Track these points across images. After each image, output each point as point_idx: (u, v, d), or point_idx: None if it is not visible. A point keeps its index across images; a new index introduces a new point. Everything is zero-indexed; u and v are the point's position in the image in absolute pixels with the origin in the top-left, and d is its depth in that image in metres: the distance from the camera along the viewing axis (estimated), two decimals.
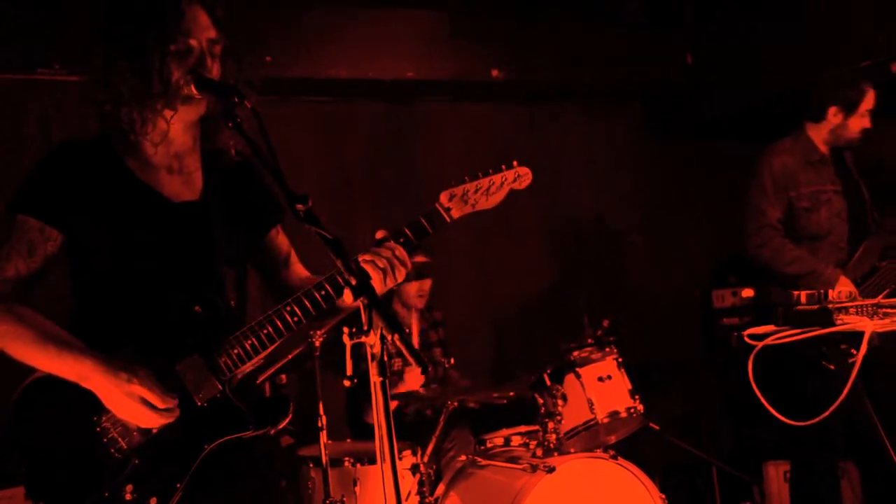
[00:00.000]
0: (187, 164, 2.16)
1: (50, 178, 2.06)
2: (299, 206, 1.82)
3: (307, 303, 2.02)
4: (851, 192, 4.17)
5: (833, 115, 4.10)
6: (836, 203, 4.09)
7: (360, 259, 2.01)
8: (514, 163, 2.24)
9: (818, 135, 4.14)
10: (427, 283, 4.49)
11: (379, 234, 2.13)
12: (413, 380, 4.16)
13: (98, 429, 1.97)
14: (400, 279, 2.08)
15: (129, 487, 1.95)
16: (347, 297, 1.91)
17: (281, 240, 2.31)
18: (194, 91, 2.01)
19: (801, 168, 4.09)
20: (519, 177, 2.23)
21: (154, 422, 1.95)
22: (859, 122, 4.09)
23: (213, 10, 2.08)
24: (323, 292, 2.02)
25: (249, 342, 2.01)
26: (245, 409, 2.03)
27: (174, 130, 2.09)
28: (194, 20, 2.03)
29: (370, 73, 4.93)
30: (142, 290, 2.04)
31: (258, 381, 2.08)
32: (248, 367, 2.03)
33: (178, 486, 1.96)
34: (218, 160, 2.18)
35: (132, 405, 1.93)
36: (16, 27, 4.23)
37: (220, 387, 2.01)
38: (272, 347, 2.03)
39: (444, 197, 2.17)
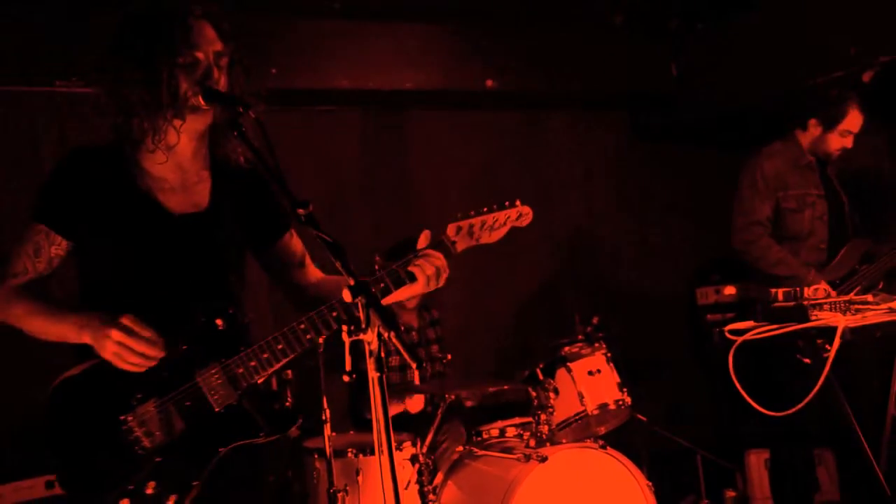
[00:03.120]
0: (195, 174, 2.17)
1: (58, 187, 2.10)
2: (301, 211, 1.83)
3: (320, 324, 2.05)
4: (833, 197, 4.19)
5: (813, 126, 4.12)
6: (820, 206, 4.11)
7: (412, 261, 2.10)
8: (518, 202, 2.28)
9: (804, 142, 4.16)
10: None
11: (423, 241, 2.19)
12: (413, 404, 4.17)
13: (124, 427, 2.01)
14: (441, 284, 2.16)
15: (152, 484, 1.99)
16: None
17: (295, 242, 2.33)
18: (202, 102, 2.02)
19: (790, 171, 4.11)
20: (521, 215, 2.29)
21: (132, 360, 1.97)
22: (839, 141, 4.10)
23: (219, 24, 2.09)
24: (335, 314, 2.05)
25: (265, 356, 2.04)
26: (258, 418, 2.06)
27: (182, 141, 2.09)
28: (201, 34, 2.05)
29: (370, 83, 4.93)
30: (148, 300, 2.05)
31: (262, 380, 2.09)
32: (262, 378, 2.07)
33: (195, 484, 2.00)
34: (228, 169, 2.19)
35: (112, 347, 1.96)
36: (34, 40, 4.22)
37: (236, 395, 2.04)
38: (285, 361, 2.07)
39: (451, 230, 2.20)
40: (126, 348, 1.95)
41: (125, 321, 1.96)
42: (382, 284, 2.09)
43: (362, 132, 5.32)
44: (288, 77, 4.63)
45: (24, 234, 2.10)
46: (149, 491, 1.98)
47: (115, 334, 1.95)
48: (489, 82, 5.18)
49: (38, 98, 4.45)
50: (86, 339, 1.99)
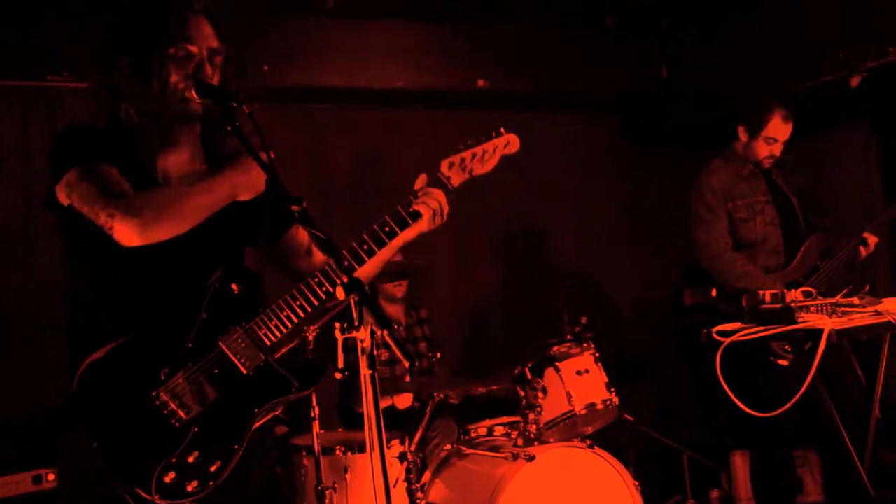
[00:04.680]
0: (188, 167, 2.17)
1: (86, 136, 2.07)
2: (294, 208, 1.84)
3: (333, 274, 2.06)
4: (782, 200, 4.23)
5: (741, 134, 4.18)
6: (769, 212, 4.17)
7: (413, 201, 2.14)
8: (502, 130, 2.31)
9: (741, 151, 4.20)
10: (403, 283, 4.51)
11: (419, 182, 2.22)
12: (401, 400, 4.17)
13: (157, 402, 2.01)
14: (445, 220, 2.19)
15: (195, 454, 2.00)
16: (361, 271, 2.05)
17: (302, 233, 2.32)
18: (194, 95, 2.03)
19: (735, 182, 4.17)
20: (508, 143, 2.31)
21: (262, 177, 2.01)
22: (765, 148, 4.13)
23: (217, 22, 2.10)
24: (346, 263, 2.07)
25: (285, 313, 2.07)
26: (287, 375, 2.09)
27: (173, 133, 2.11)
28: (197, 29, 2.06)
29: (362, 82, 4.94)
30: (162, 275, 2.06)
31: (277, 356, 2.11)
32: (285, 335, 2.09)
33: (236, 447, 2.03)
34: (224, 164, 2.18)
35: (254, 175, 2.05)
36: (25, 35, 4.21)
37: (262, 356, 2.06)
38: (303, 316, 2.09)
39: (444, 166, 2.23)
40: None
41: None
42: (388, 228, 2.11)
43: (353, 130, 5.32)
44: (280, 74, 4.63)
45: (94, 180, 2.00)
46: (191, 460, 1.99)
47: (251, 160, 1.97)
48: (480, 82, 5.20)
49: (29, 92, 4.43)
50: (241, 189, 2.06)
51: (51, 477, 3.67)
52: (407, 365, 1.70)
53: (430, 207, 2.15)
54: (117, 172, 2.04)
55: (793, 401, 2.69)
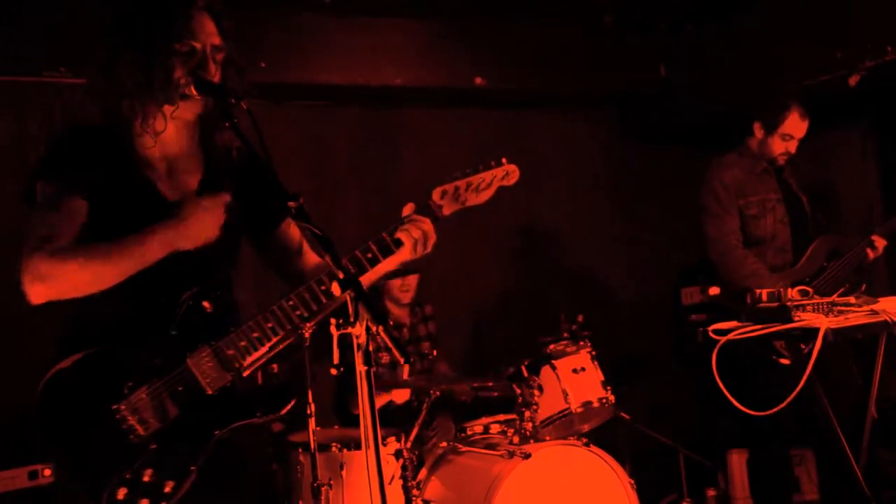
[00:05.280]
0: (184, 162, 2.17)
1: (63, 151, 2.07)
2: (291, 204, 1.84)
3: (308, 297, 2.04)
4: (792, 199, 4.24)
5: (757, 130, 4.18)
6: (780, 210, 4.17)
7: (398, 227, 2.08)
8: (504, 160, 2.24)
9: (755, 147, 4.20)
10: (411, 279, 4.49)
11: (407, 210, 2.15)
12: (399, 395, 4.17)
13: (117, 416, 1.99)
14: (429, 251, 2.12)
15: (149, 471, 1.98)
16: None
17: (293, 230, 2.31)
18: (193, 91, 2.03)
19: (747, 178, 4.16)
20: (507, 174, 2.23)
21: (216, 222, 2.01)
22: (781, 145, 4.14)
23: (220, 20, 2.11)
24: (323, 287, 2.04)
25: (255, 334, 2.03)
26: (252, 398, 2.06)
27: (171, 128, 2.10)
28: (201, 25, 2.06)
29: (359, 79, 4.93)
30: (143, 284, 2.03)
31: (247, 373, 2.08)
32: (253, 358, 2.05)
33: (192, 469, 2.00)
34: (220, 160, 2.18)
35: (197, 225, 2.01)
36: (22, 30, 4.20)
37: (228, 377, 2.03)
38: (275, 340, 2.05)
39: (436, 195, 2.16)
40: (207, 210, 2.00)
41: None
42: (370, 254, 2.07)
43: (351, 127, 5.32)
44: (277, 71, 4.62)
45: (47, 202, 2.03)
46: (146, 479, 1.97)
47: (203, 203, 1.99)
48: (478, 80, 5.19)
49: (26, 88, 4.42)
50: (178, 245, 2.00)
51: (47, 472, 3.67)
52: (402, 361, 1.69)
53: (413, 237, 2.09)
54: (78, 201, 2.02)
55: (788, 399, 2.69)
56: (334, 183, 5.22)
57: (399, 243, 2.09)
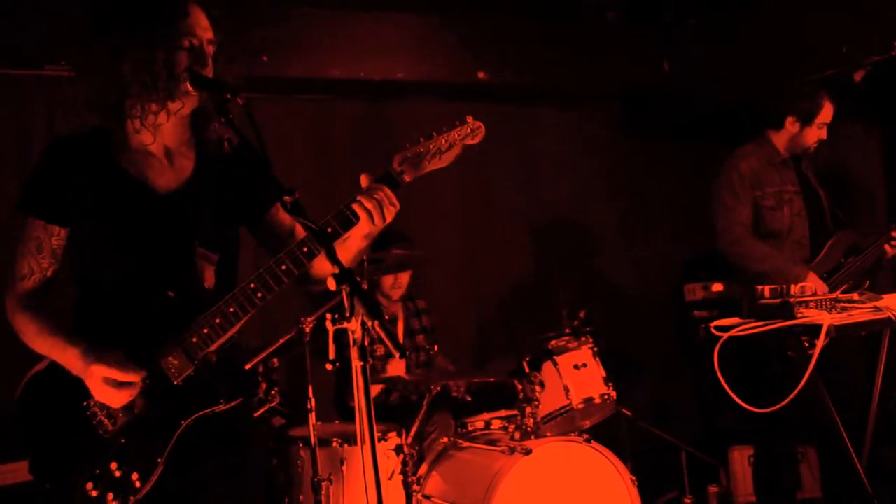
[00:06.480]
0: (179, 156, 2.16)
1: (46, 176, 2.09)
2: (287, 199, 1.83)
3: (269, 279, 2.01)
4: (810, 192, 4.21)
5: (791, 124, 4.14)
6: (797, 203, 4.13)
7: (353, 204, 2.02)
8: (469, 118, 2.16)
9: (779, 141, 4.18)
10: (403, 276, 4.47)
11: (365, 181, 2.09)
12: (395, 367, 4.16)
13: (88, 413, 2.03)
14: (389, 219, 2.05)
15: (114, 465, 2.00)
16: (317, 267, 2.03)
17: (283, 216, 2.28)
18: (189, 87, 2.02)
19: (765, 169, 4.13)
20: (472, 131, 2.15)
21: (118, 399, 1.99)
22: (815, 133, 4.13)
23: (211, 13, 2.09)
24: (284, 267, 2.01)
25: (217, 320, 2.02)
26: (216, 385, 2.04)
27: (168, 123, 2.09)
28: (196, 20, 2.05)
29: (361, 73, 4.91)
30: (126, 281, 2.06)
31: (248, 366, 2.08)
32: (217, 344, 2.04)
33: (159, 460, 2.00)
34: (213, 152, 2.17)
35: (99, 385, 1.97)
36: (23, 23, 4.18)
37: (192, 365, 2.03)
38: (239, 325, 2.04)
39: (396, 161, 2.10)
40: (112, 384, 1.98)
41: (111, 357, 1.98)
42: (330, 229, 2.03)
43: (353, 121, 5.30)
44: (279, 65, 4.61)
45: (23, 234, 2.09)
46: (117, 474, 1.99)
47: (98, 370, 1.97)
48: (481, 74, 5.17)
49: (27, 81, 4.41)
50: (75, 372, 2.01)
51: None
52: (398, 355, 1.68)
53: (366, 208, 2.02)
54: (57, 230, 2.06)
55: (791, 396, 2.67)
56: (334, 175, 5.20)
57: (356, 216, 2.03)
